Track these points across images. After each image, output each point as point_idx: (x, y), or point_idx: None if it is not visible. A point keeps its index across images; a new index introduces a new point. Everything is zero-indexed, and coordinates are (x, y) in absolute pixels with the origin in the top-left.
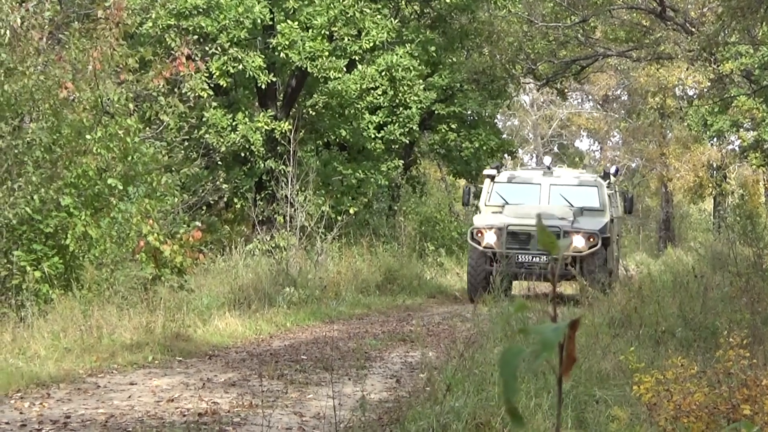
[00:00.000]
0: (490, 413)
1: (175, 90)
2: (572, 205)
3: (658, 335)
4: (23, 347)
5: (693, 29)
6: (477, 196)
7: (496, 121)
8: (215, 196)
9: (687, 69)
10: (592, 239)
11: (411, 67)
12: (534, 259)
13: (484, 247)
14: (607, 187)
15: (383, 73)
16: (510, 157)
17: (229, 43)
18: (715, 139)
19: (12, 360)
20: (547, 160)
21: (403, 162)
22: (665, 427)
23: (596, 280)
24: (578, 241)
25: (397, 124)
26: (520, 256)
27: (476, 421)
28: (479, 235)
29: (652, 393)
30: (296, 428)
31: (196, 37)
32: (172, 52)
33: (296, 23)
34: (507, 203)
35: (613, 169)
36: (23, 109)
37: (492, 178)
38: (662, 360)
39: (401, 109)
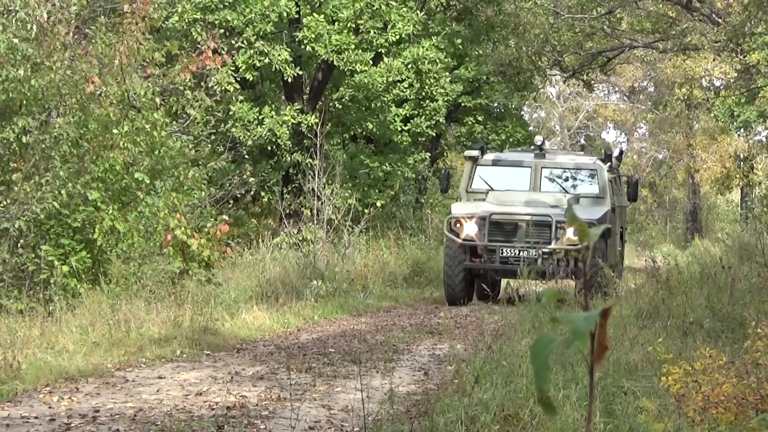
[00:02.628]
0: (519, 405)
1: (202, 84)
2: (567, 192)
3: (685, 326)
4: (52, 342)
5: (719, 20)
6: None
7: (522, 113)
8: (242, 189)
9: (713, 60)
10: None
11: (437, 60)
12: (521, 253)
13: (463, 240)
14: (609, 171)
15: (409, 66)
16: None
17: (255, 37)
18: (742, 130)
19: (40, 354)
20: (538, 139)
21: (429, 155)
22: (693, 418)
23: (594, 279)
24: (573, 233)
25: (423, 117)
26: (504, 250)
27: (504, 413)
28: (458, 225)
29: (681, 384)
30: (324, 421)
31: (222, 30)
32: (199, 46)
33: (322, 16)
34: (491, 189)
35: (616, 151)
36: (50, 104)
37: (474, 160)
38: (690, 351)
39: (428, 101)
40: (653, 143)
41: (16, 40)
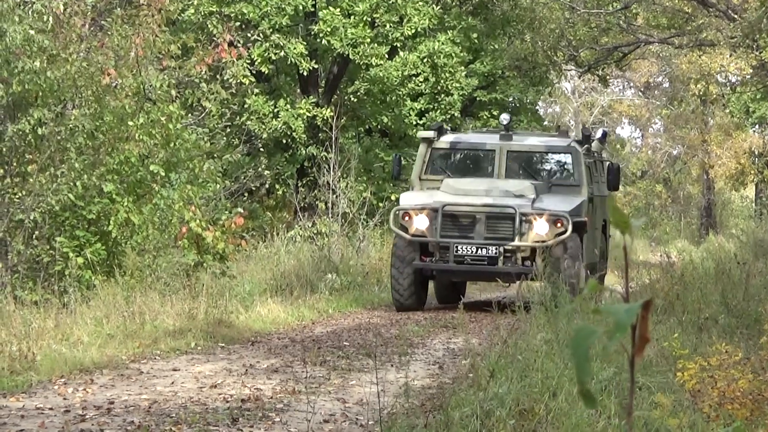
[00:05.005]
0: (534, 399)
1: (217, 76)
2: (536, 179)
3: (701, 322)
4: (66, 333)
5: (735, 16)
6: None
7: (537, 107)
8: (257, 182)
9: (729, 56)
10: (559, 224)
11: (453, 54)
12: (479, 251)
13: (413, 236)
14: (587, 155)
15: (425, 60)
16: None
17: (271, 30)
18: (757, 126)
19: (55, 346)
20: (504, 118)
21: None
22: (709, 413)
23: (566, 280)
24: (541, 227)
25: (438, 111)
26: (459, 248)
27: (520, 407)
28: (406, 218)
29: (696, 380)
30: (339, 414)
31: (238, 23)
32: (214, 39)
33: (338, 10)
34: (448, 176)
35: (599, 133)
36: (66, 96)
37: (429, 142)
38: (705, 347)
39: (443, 95)
40: (668, 139)
41: (32, 32)
